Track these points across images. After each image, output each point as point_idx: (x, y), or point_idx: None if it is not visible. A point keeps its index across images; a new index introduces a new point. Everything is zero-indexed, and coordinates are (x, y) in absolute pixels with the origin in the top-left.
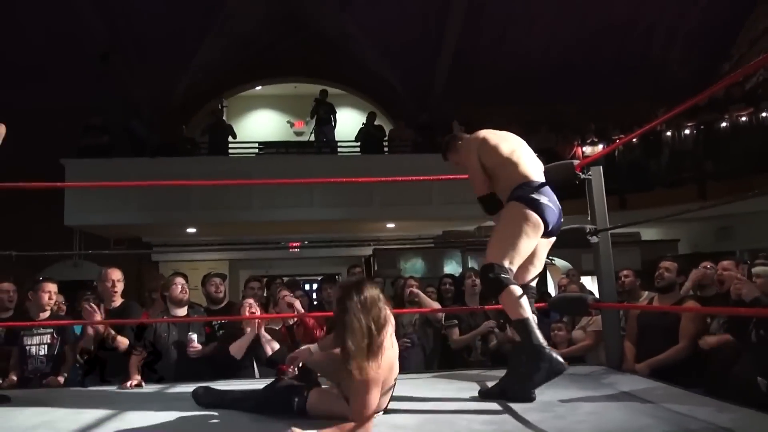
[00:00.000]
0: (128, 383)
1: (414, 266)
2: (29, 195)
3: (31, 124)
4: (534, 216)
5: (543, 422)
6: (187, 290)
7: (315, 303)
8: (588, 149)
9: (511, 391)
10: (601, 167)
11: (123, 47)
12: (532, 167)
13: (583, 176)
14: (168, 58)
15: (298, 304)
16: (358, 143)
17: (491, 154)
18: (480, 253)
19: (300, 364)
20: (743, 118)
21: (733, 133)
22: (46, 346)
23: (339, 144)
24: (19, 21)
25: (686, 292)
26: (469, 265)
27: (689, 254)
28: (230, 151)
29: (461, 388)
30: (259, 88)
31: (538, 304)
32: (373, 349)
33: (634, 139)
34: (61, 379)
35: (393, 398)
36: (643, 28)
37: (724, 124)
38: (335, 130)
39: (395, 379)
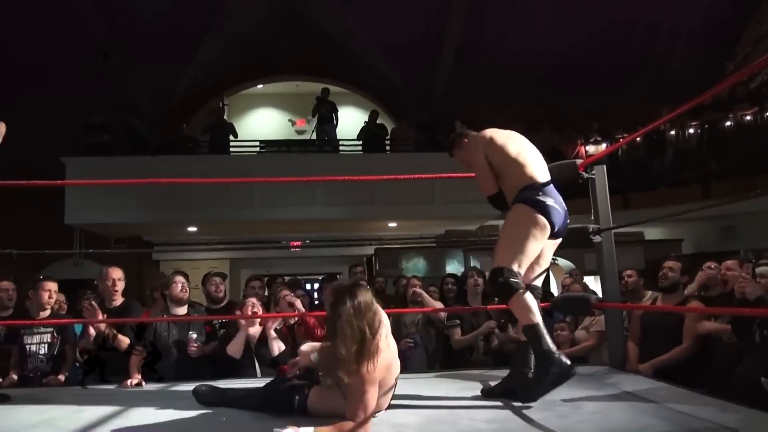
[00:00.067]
0: (128, 381)
1: (416, 266)
2: (29, 193)
3: (31, 122)
4: (540, 218)
5: (545, 421)
6: (188, 289)
7: (316, 302)
8: (591, 148)
9: (519, 393)
10: (605, 166)
11: (124, 46)
12: (539, 168)
13: (586, 175)
14: (169, 57)
15: (298, 303)
16: (360, 142)
17: (498, 153)
18: (482, 252)
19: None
20: (748, 118)
21: (738, 133)
22: (46, 345)
23: (341, 142)
24: (20, 20)
25: (691, 293)
26: (472, 265)
27: (693, 254)
28: (231, 149)
29: (463, 388)
30: (260, 86)
31: (541, 304)
32: (367, 352)
33: (638, 139)
34: (62, 378)
35: (395, 397)
36: (646, 27)
37: (728, 124)
38: (337, 129)
39: (396, 379)
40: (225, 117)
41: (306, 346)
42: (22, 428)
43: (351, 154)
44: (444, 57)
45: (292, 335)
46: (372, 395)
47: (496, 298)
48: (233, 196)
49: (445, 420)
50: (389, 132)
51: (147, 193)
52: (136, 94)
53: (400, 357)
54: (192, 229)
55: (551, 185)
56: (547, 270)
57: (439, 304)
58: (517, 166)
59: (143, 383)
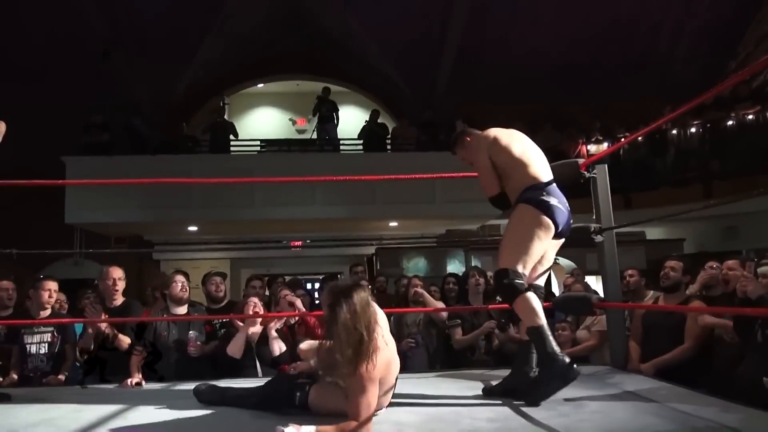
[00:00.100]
0: (129, 381)
1: (417, 265)
2: (30, 192)
3: (32, 121)
4: (544, 219)
5: (547, 420)
6: (187, 288)
7: (317, 302)
8: (593, 147)
9: (522, 394)
10: (606, 166)
11: (124, 45)
12: (542, 168)
13: (587, 175)
14: (169, 56)
15: (299, 302)
16: (361, 141)
17: (502, 153)
18: (483, 252)
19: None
20: (750, 117)
21: (740, 132)
22: (46, 344)
23: (341, 142)
24: (21, 18)
25: (693, 294)
26: (473, 264)
27: (695, 254)
28: (232, 148)
29: (465, 387)
30: (261, 85)
31: (543, 304)
32: (365, 351)
33: (640, 138)
34: (62, 378)
35: (396, 397)
36: (648, 26)
37: (730, 123)
38: (338, 128)
39: (396, 379)
40: (225, 116)
41: (305, 345)
42: (22, 428)
43: (352, 154)
44: (445, 56)
45: (292, 335)
46: (373, 394)
47: (497, 298)
48: (234, 195)
49: (446, 419)
50: (390, 131)
51: (147, 192)
52: (137, 93)
53: (401, 357)
54: (192, 228)
55: (555, 185)
56: (549, 269)
57: (440, 304)
58: (521, 166)
59: (143, 383)
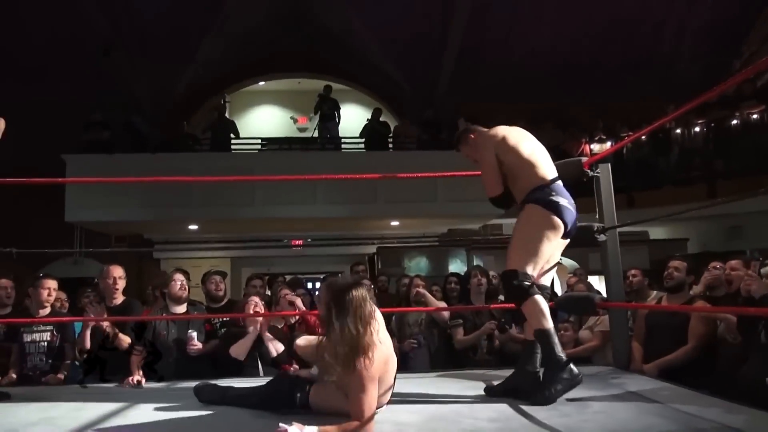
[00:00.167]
0: (130, 378)
1: (418, 265)
2: (29, 191)
3: (32, 119)
4: (554, 219)
5: (549, 420)
6: (187, 287)
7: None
8: (596, 147)
9: (525, 394)
10: (609, 165)
11: (125, 43)
12: (549, 168)
13: (590, 174)
14: (170, 54)
15: (299, 301)
16: (363, 139)
17: (511, 153)
18: (485, 251)
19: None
20: (754, 116)
21: (744, 131)
22: (45, 343)
23: (343, 140)
24: (22, 16)
25: (697, 294)
26: (475, 264)
27: (698, 253)
28: (233, 147)
29: (466, 387)
30: (262, 83)
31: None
32: (362, 348)
33: (643, 137)
34: (61, 377)
35: (398, 396)
36: (652, 24)
37: (734, 122)
38: (339, 127)
39: (395, 378)
40: (226, 114)
41: (302, 340)
42: (21, 427)
43: (353, 152)
44: (447, 55)
45: (293, 334)
46: (373, 393)
47: (500, 297)
48: (234, 194)
49: (447, 419)
50: (392, 130)
51: (148, 190)
52: (137, 91)
53: (403, 357)
54: (193, 227)
55: (561, 184)
56: (553, 268)
57: (442, 304)
58: (529, 166)
59: (143, 381)
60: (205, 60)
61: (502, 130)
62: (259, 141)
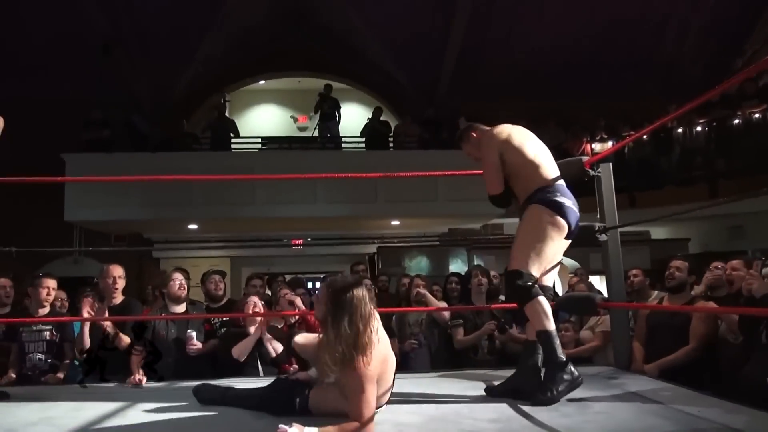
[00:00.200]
0: (132, 378)
1: (419, 264)
2: (29, 190)
3: (31, 117)
4: (559, 220)
5: (550, 421)
6: (185, 287)
7: None
8: (597, 146)
9: (526, 394)
10: (611, 164)
11: (125, 41)
12: (552, 168)
13: (592, 173)
14: (170, 52)
15: (298, 301)
16: (363, 139)
17: (515, 153)
18: (486, 251)
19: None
20: (756, 115)
21: (746, 131)
22: (45, 342)
23: (343, 139)
24: (21, 14)
25: (698, 294)
26: (475, 264)
27: (700, 253)
28: (233, 146)
29: (467, 387)
30: (262, 82)
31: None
32: (360, 346)
33: (645, 136)
34: (61, 376)
35: (398, 397)
36: (655, 23)
37: (736, 121)
38: (339, 126)
39: (394, 378)
40: (226, 113)
41: (300, 338)
42: (21, 426)
43: (353, 151)
44: (448, 53)
45: (292, 334)
46: (371, 393)
47: (501, 297)
48: (234, 193)
49: (447, 419)
50: (392, 129)
51: (147, 190)
52: (137, 90)
53: (404, 357)
54: (193, 226)
55: (565, 185)
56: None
57: (442, 304)
58: (533, 166)
59: (144, 380)
60: (206, 58)
61: (507, 129)
62: (259, 140)
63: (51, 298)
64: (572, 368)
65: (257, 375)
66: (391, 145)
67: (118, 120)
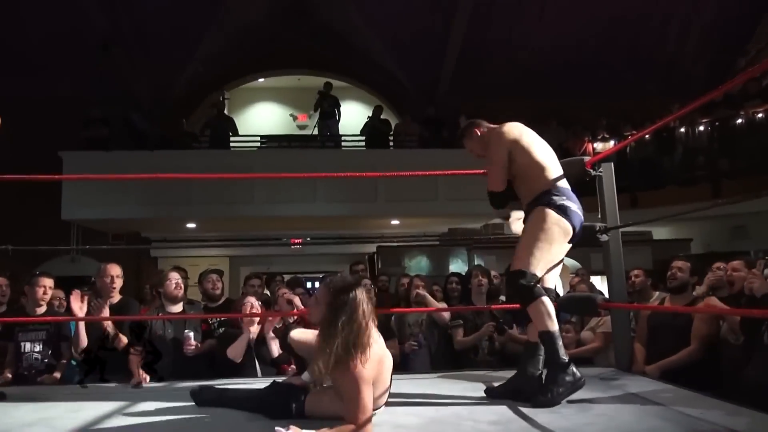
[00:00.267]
0: (139, 376)
1: (419, 264)
2: (26, 188)
3: (29, 115)
4: (565, 223)
5: (550, 423)
6: (182, 286)
7: None
8: (599, 145)
9: (527, 396)
10: (612, 164)
11: (124, 39)
12: (558, 171)
13: (593, 173)
14: (169, 51)
15: (297, 300)
16: (363, 137)
17: (524, 153)
18: (486, 251)
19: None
20: (759, 115)
21: (749, 130)
22: (41, 342)
23: (343, 138)
24: (20, 12)
25: (700, 295)
26: (476, 263)
27: (702, 254)
28: (232, 144)
29: (467, 389)
30: (261, 80)
31: None
32: (359, 346)
33: (647, 136)
34: (57, 376)
35: (397, 398)
36: (657, 22)
37: (739, 121)
38: (339, 124)
39: (391, 378)
40: (225, 111)
41: (296, 333)
42: (18, 427)
43: (353, 150)
44: (449, 52)
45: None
46: (367, 394)
47: (501, 298)
48: (233, 192)
49: (447, 421)
50: (393, 128)
51: (146, 188)
52: (136, 88)
53: (404, 358)
54: (191, 225)
55: (570, 188)
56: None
57: (442, 305)
58: (540, 168)
59: (147, 380)
60: (205, 57)
61: (517, 129)
62: (259, 138)
63: (48, 297)
64: (574, 369)
65: (255, 375)
66: (391, 144)
67: (117, 118)
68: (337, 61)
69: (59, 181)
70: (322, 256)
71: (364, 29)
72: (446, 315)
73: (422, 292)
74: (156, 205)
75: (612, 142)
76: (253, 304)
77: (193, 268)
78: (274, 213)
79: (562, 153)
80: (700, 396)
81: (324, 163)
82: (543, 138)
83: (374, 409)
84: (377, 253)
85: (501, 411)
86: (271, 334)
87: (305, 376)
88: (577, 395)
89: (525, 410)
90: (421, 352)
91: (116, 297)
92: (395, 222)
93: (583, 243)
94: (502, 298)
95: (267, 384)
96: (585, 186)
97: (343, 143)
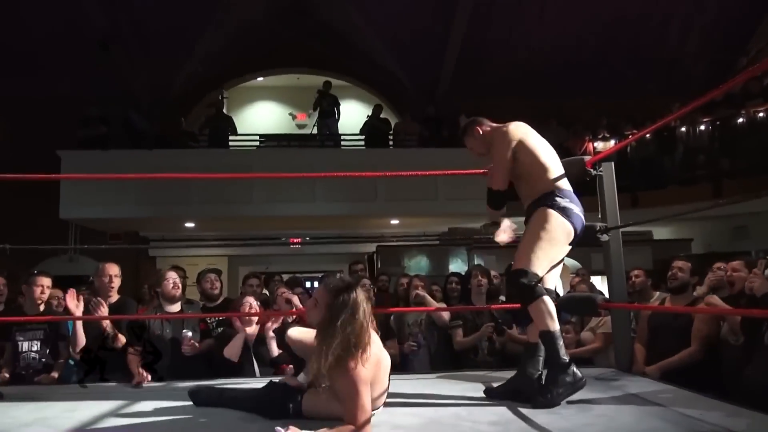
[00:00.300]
0: (138, 378)
1: (418, 264)
2: (24, 187)
3: (28, 114)
4: (567, 225)
5: (550, 424)
6: (180, 285)
7: None
8: (599, 145)
9: (527, 396)
10: (613, 163)
11: (123, 37)
12: (560, 172)
13: (593, 173)
14: (168, 49)
15: (296, 299)
16: (362, 137)
17: (529, 153)
18: (486, 250)
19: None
20: (761, 114)
21: (750, 130)
22: (38, 342)
23: (342, 137)
24: (19, 10)
25: (700, 295)
26: (475, 263)
27: (703, 254)
28: (231, 143)
29: (466, 389)
30: (260, 79)
31: None
32: (357, 345)
33: (647, 135)
34: (55, 376)
35: (396, 398)
36: (658, 21)
37: (740, 120)
38: (338, 123)
39: (389, 379)
40: (224, 110)
41: (294, 331)
42: (15, 427)
43: (353, 149)
44: (449, 51)
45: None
46: (365, 395)
47: (501, 298)
48: (232, 191)
49: (446, 422)
50: (392, 127)
51: (144, 187)
52: (135, 87)
53: (403, 358)
54: (190, 224)
55: (572, 190)
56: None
57: (442, 305)
58: (543, 168)
59: (148, 379)
60: (204, 55)
61: (522, 128)
62: (258, 137)
63: (45, 296)
64: (575, 370)
65: (254, 375)
66: (390, 143)
67: (115, 117)
68: (336, 59)
69: (57, 181)
70: (321, 256)
71: (364, 28)
72: (446, 315)
73: (422, 292)
74: (154, 205)
75: (612, 142)
76: (251, 304)
77: (192, 267)
78: (273, 212)
79: (562, 152)
80: (700, 397)
81: (323, 162)
82: (543, 137)
83: (373, 410)
84: (377, 253)
85: (500, 412)
86: (271, 334)
87: (301, 377)
88: (577, 396)
89: (525, 411)
90: (421, 352)
91: (114, 296)
92: (395, 222)
93: (583, 243)
94: (502, 298)
95: (264, 384)
96: (585, 185)
97: (342, 142)
